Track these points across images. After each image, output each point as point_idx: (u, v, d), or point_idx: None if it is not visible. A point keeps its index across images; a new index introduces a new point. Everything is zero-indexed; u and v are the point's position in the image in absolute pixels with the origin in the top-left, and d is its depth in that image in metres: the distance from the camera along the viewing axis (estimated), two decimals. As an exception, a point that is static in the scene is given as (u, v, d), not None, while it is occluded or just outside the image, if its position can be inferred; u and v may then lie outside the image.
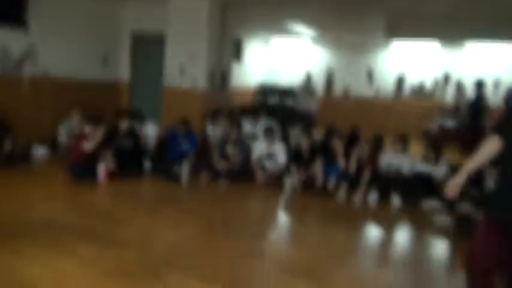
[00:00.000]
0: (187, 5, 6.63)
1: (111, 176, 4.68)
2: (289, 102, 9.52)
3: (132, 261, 2.80)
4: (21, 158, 5.11)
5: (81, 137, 4.73)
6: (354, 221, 4.08)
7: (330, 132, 5.63)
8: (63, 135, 5.62)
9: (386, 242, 3.77)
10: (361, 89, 11.14)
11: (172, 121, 5.86)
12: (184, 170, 4.97)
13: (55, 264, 2.67)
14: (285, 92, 10.19)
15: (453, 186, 2.10)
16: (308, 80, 8.65)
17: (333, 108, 10.53)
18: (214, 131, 5.95)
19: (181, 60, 6.80)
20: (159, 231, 3.42)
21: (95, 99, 6.89)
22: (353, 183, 4.78)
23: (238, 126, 5.60)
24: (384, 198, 4.67)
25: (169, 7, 6.72)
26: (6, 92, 5.63)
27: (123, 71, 7.77)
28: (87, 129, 4.74)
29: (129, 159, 5.01)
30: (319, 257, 3.14)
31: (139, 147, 5.25)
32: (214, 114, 6.32)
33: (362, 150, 5.06)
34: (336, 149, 5.08)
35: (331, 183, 4.84)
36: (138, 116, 5.75)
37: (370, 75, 11.13)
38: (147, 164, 5.17)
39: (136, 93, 7.81)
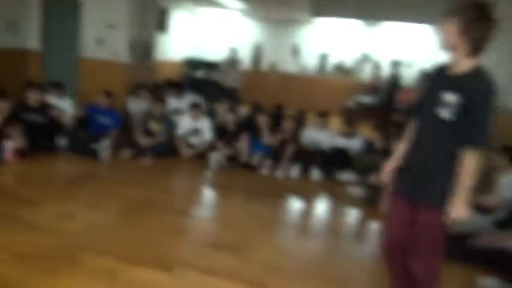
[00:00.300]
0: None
1: (21, 154, 4.30)
2: (215, 76, 9.37)
3: (46, 245, 2.64)
4: None
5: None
6: (277, 194, 4.23)
7: (255, 109, 5.72)
8: None
9: (307, 213, 3.99)
10: (287, 64, 11.35)
11: (90, 95, 5.51)
12: (104, 146, 4.74)
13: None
14: (212, 66, 10.01)
15: (385, 174, 2.13)
16: (232, 54, 8.54)
17: (260, 83, 10.64)
18: (136, 106, 5.71)
19: (99, 30, 6.35)
20: (75, 212, 3.23)
21: (0, 69, 6.21)
22: (277, 158, 4.94)
23: (163, 101, 5.43)
24: (305, 171, 4.90)
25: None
26: None
27: (32, 39, 7.05)
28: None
29: (42, 136, 4.63)
30: (243, 231, 3.23)
31: (53, 123, 4.86)
32: (136, 89, 6.05)
33: (285, 126, 5.22)
34: (261, 125, 5.19)
35: (256, 158, 4.94)
36: (56, 88, 5.31)
37: (295, 52, 11.37)
38: (62, 141, 4.82)
39: (48, 64, 7.16)
